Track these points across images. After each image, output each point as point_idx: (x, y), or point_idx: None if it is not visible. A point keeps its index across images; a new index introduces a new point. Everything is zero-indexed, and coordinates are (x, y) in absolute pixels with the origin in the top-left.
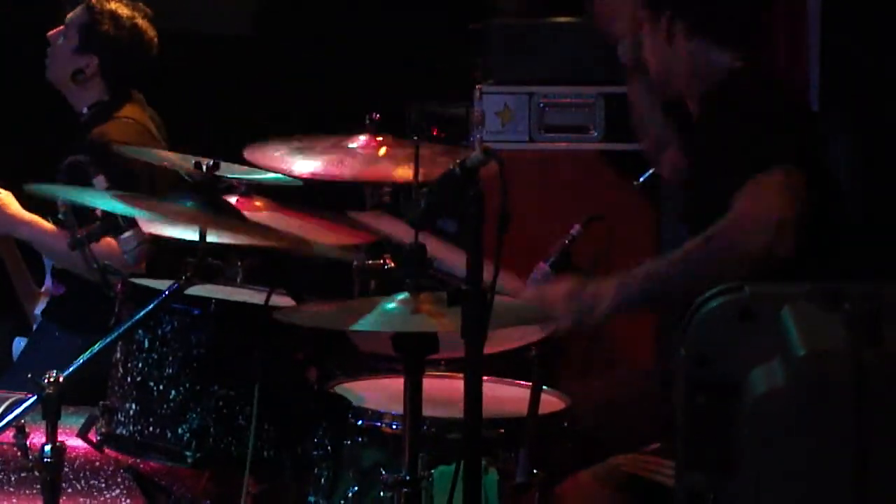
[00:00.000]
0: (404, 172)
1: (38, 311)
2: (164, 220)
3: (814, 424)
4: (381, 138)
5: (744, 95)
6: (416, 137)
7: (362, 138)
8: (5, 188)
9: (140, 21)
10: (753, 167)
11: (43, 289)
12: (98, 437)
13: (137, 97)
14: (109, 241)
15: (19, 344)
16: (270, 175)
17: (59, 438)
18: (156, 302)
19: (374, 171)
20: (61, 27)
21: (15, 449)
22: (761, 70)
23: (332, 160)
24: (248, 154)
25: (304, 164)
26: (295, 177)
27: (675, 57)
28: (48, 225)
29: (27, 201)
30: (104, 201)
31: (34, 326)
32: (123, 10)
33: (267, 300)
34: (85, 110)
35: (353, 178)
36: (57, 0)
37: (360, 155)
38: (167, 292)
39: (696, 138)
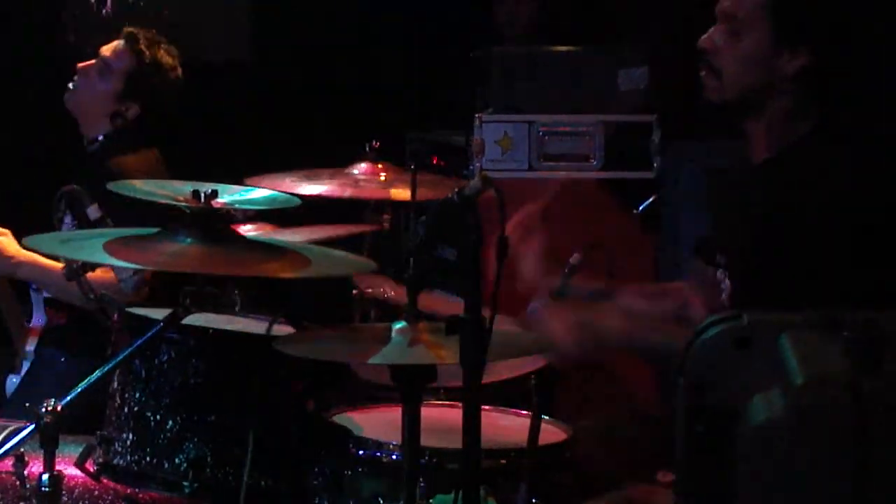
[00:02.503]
0: (400, 193)
1: (29, 347)
2: (161, 267)
3: (813, 453)
4: (380, 165)
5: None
6: (412, 166)
7: (363, 165)
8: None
9: (179, 70)
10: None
11: (31, 325)
12: (95, 467)
13: (142, 127)
14: (106, 270)
15: (12, 381)
16: (267, 195)
17: (57, 467)
18: (153, 332)
19: (373, 194)
20: (95, 62)
21: (13, 478)
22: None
23: (332, 183)
24: (248, 182)
25: (306, 188)
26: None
27: (776, 90)
28: (47, 261)
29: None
30: (99, 255)
31: (23, 363)
32: (168, 60)
33: (269, 329)
34: (100, 137)
35: (352, 197)
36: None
37: (360, 179)
38: (163, 322)
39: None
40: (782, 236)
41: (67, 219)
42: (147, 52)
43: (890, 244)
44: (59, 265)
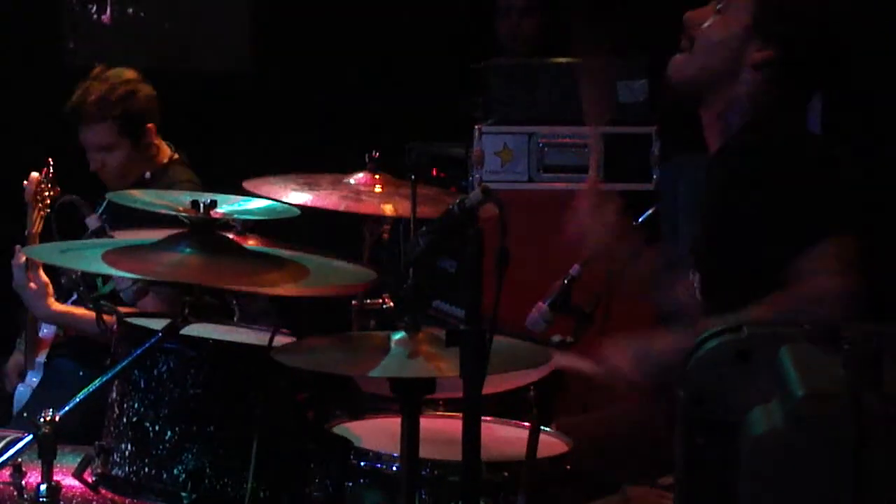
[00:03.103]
0: (396, 208)
1: (40, 359)
2: (160, 277)
3: (813, 466)
4: (377, 177)
5: (794, 160)
6: (412, 176)
7: (360, 175)
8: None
9: (134, 74)
10: (809, 238)
11: (42, 334)
12: (93, 478)
13: (181, 159)
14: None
15: (21, 391)
16: (265, 205)
17: (55, 478)
18: (152, 342)
19: (369, 207)
20: (94, 152)
21: (11, 488)
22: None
23: (331, 195)
24: (246, 185)
25: (301, 196)
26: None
27: (738, 79)
28: (80, 310)
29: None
30: (97, 265)
31: (28, 374)
32: (125, 77)
33: (270, 340)
34: (148, 175)
35: (347, 209)
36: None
37: (357, 190)
38: (162, 332)
39: (733, 183)
40: (724, 225)
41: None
42: (116, 98)
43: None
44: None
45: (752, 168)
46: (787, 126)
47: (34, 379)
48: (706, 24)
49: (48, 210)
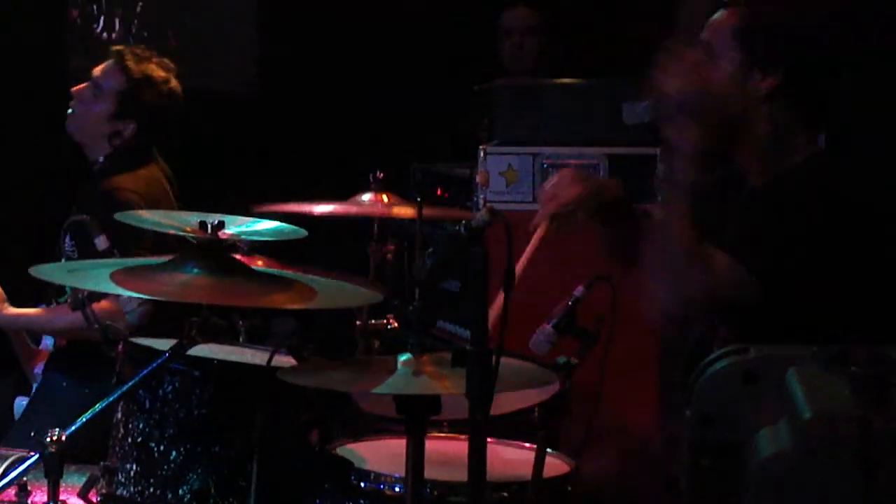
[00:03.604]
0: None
1: (37, 370)
2: (167, 297)
3: (820, 488)
4: (385, 197)
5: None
6: (418, 199)
7: (368, 195)
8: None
9: (174, 82)
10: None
11: (41, 346)
12: (98, 498)
13: (154, 152)
14: (111, 300)
15: (21, 403)
16: (272, 226)
17: (61, 497)
18: (158, 362)
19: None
20: (87, 85)
21: None
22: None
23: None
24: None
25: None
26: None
27: (752, 112)
28: (36, 310)
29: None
30: (105, 285)
31: (34, 385)
32: (159, 73)
33: (269, 361)
34: (101, 159)
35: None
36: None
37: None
38: (168, 353)
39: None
40: (787, 259)
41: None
42: (135, 69)
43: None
44: (36, 311)
45: (823, 221)
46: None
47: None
48: None
49: None
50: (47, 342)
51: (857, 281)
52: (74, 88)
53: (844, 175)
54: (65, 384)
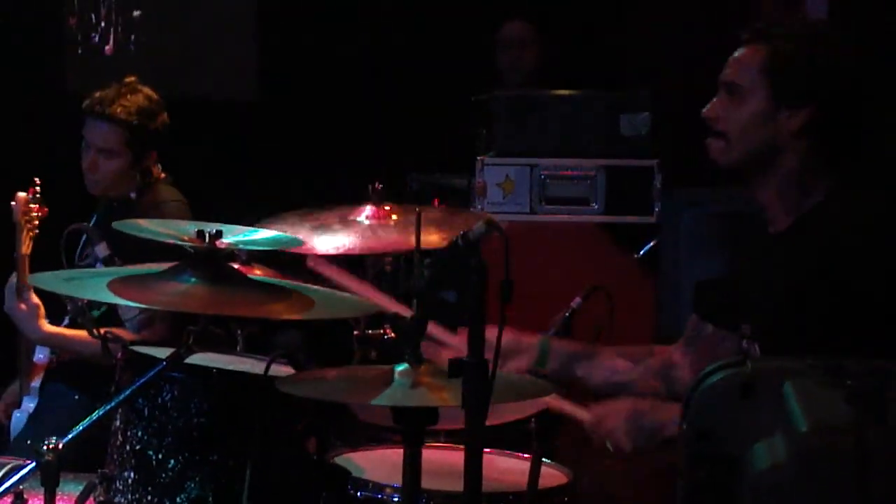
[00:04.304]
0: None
1: (35, 384)
2: (165, 306)
3: (817, 500)
4: (387, 207)
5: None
6: (417, 209)
7: (368, 208)
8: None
9: (147, 90)
10: None
11: (36, 359)
12: None
13: (168, 178)
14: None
15: (17, 416)
16: (270, 236)
17: None
18: (155, 370)
19: (384, 242)
20: (93, 154)
21: None
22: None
23: (348, 235)
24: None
25: (323, 242)
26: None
27: (782, 148)
28: (73, 330)
29: None
30: (103, 294)
31: (24, 399)
32: (140, 98)
33: (266, 370)
34: (132, 195)
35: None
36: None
37: (369, 227)
38: (166, 361)
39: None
40: (821, 302)
41: (90, 251)
42: (126, 114)
43: None
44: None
45: (844, 262)
46: (864, 207)
47: (30, 405)
48: (729, 113)
49: (36, 231)
50: (40, 355)
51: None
52: (85, 163)
53: (865, 208)
54: (76, 397)
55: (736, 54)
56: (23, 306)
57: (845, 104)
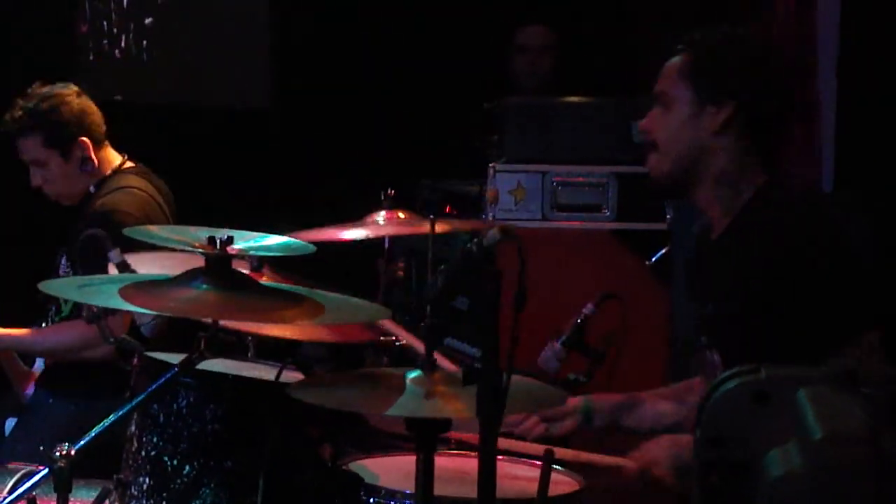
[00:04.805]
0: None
1: (29, 391)
2: (176, 313)
3: None
4: (401, 214)
5: (815, 250)
6: (431, 216)
7: (382, 213)
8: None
9: (68, 89)
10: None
11: (34, 368)
12: None
13: (141, 169)
14: (125, 314)
15: (11, 424)
16: (282, 242)
17: None
18: (167, 376)
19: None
20: (34, 171)
21: None
22: (783, 185)
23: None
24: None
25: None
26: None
27: (710, 148)
28: (23, 330)
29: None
30: (115, 301)
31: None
32: (52, 93)
33: (278, 376)
34: (92, 189)
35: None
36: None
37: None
38: (177, 367)
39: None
40: (756, 304)
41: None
42: (42, 116)
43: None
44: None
45: (775, 257)
46: (795, 201)
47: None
48: (658, 122)
49: None
50: (39, 364)
51: (825, 308)
52: (32, 180)
53: (790, 205)
54: (50, 401)
55: (665, 65)
56: None
57: (765, 99)
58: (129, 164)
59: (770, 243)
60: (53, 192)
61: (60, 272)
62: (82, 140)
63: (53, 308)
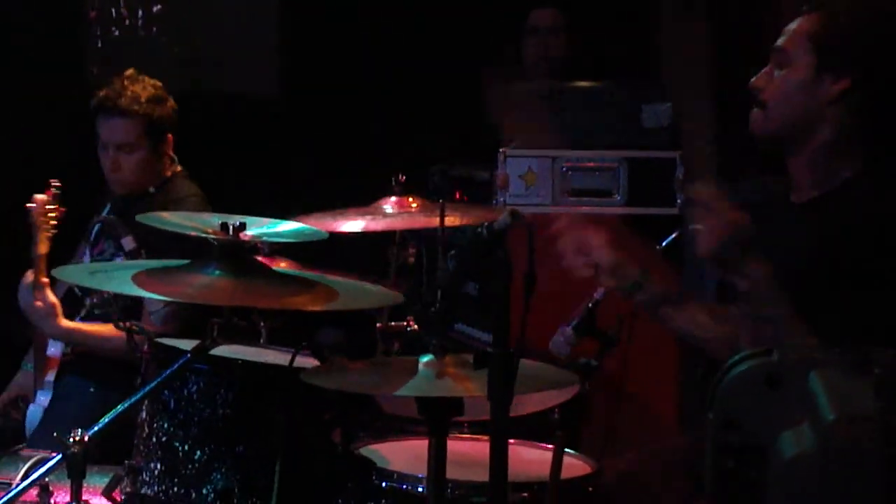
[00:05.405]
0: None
1: (49, 378)
2: (189, 299)
3: (843, 489)
4: (411, 200)
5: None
6: (440, 200)
7: (393, 199)
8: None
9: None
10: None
11: (49, 353)
12: (123, 497)
13: (185, 172)
14: (144, 309)
15: (33, 410)
16: (294, 228)
17: (84, 497)
18: (180, 362)
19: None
20: (115, 150)
21: None
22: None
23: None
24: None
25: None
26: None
27: (818, 117)
28: (92, 325)
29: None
30: (127, 287)
31: (38, 394)
32: (151, 87)
33: (291, 361)
34: (152, 190)
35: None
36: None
37: (393, 213)
38: (191, 353)
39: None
40: (840, 274)
41: (107, 246)
42: (142, 105)
43: None
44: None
45: (875, 232)
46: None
47: (44, 398)
48: (772, 82)
49: (54, 230)
50: (53, 349)
51: None
52: (108, 161)
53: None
54: (91, 389)
55: (791, 24)
56: (39, 304)
57: (887, 76)
58: (178, 168)
59: (869, 221)
60: (123, 180)
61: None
62: (170, 137)
63: (89, 300)
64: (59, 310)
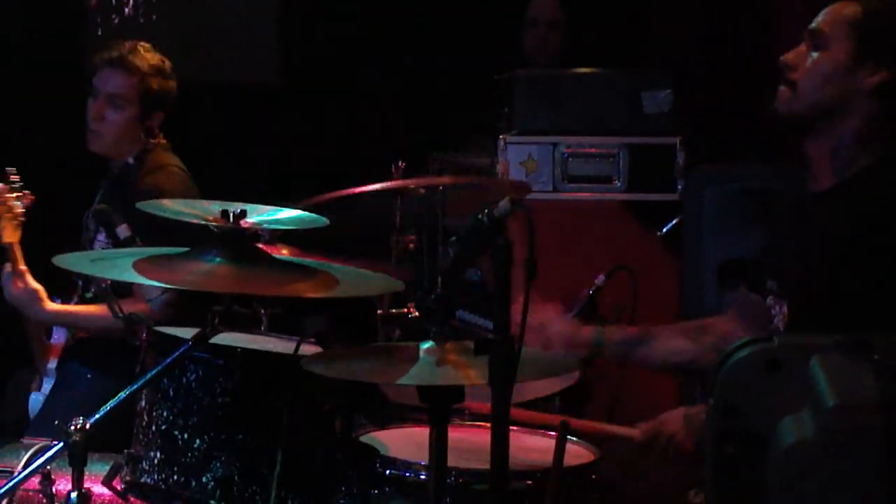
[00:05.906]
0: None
1: (51, 365)
2: (190, 286)
3: (844, 476)
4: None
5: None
6: (441, 186)
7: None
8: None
9: (169, 63)
10: None
11: (52, 341)
12: (123, 486)
13: (166, 144)
14: (134, 289)
15: (36, 398)
16: (294, 215)
17: (85, 485)
18: (180, 350)
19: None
20: (100, 101)
21: (41, 496)
22: None
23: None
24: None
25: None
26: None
27: (849, 106)
28: (79, 307)
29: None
30: (128, 274)
31: (43, 381)
32: (157, 58)
33: (296, 350)
34: (130, 160)
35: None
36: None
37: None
38: (191, 341)
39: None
40: (855, 263)
41: (101, 237)
42: (141, 63)
43: None
44: (80, 307)
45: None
46: None
47: (47, 386)
48: (808, 64)
49: (22, 218)
50: (58, 336)
51: None
52: (91, 111)
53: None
54: (89, 376)
55: (833, 5)
56: (21, 291)
57: None
58: (162, 140)
59: (886, 210)
60: (101, 134)
61: (96, 245)
62: (160, 114)
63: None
64: (43, 293)
